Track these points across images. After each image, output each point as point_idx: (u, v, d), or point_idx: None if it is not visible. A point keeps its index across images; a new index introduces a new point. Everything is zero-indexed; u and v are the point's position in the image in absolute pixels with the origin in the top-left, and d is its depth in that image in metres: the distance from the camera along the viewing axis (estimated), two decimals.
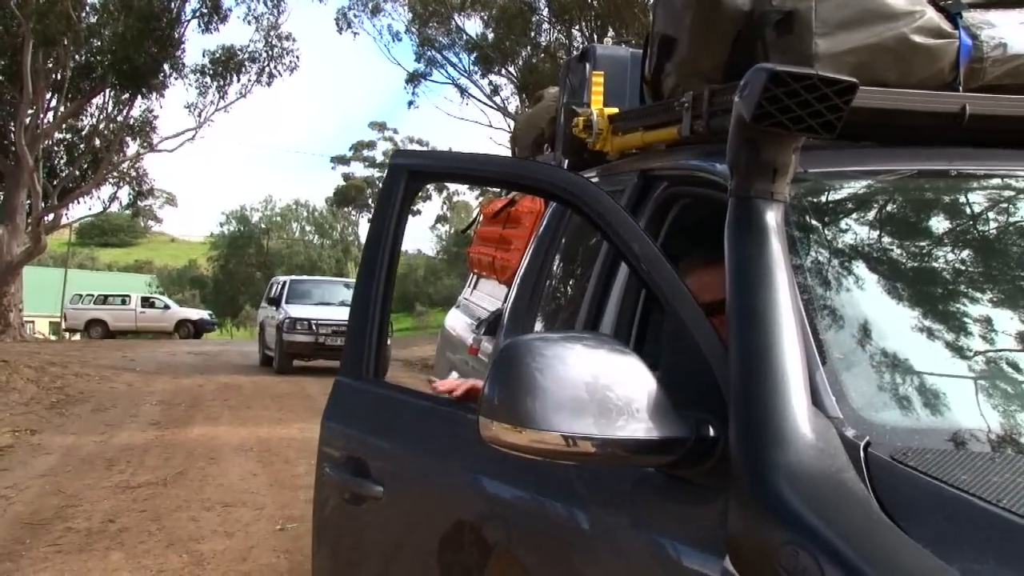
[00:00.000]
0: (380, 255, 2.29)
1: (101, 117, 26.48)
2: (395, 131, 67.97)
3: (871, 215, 2.04)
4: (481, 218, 4.60)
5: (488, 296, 4.06)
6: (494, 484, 1.92)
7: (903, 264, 1.91)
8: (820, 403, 1.46)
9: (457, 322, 4.48)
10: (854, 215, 2.02)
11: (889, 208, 2.05)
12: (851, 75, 1.53)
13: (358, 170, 60.14)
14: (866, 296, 1.78)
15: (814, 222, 1.91)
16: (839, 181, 2.04)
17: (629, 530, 1.63)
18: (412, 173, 2.34)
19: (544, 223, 3.39)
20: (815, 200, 1.97)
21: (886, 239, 1.94)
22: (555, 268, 3.23)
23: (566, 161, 3.42)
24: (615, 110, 2.99)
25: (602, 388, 1.44)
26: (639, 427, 1.43)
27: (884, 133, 2.14)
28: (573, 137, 3.16)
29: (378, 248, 2.30)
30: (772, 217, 1.61)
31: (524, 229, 3.61)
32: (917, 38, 2.06)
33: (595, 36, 25.04)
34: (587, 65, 3.45)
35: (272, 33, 25.92)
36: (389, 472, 2.13)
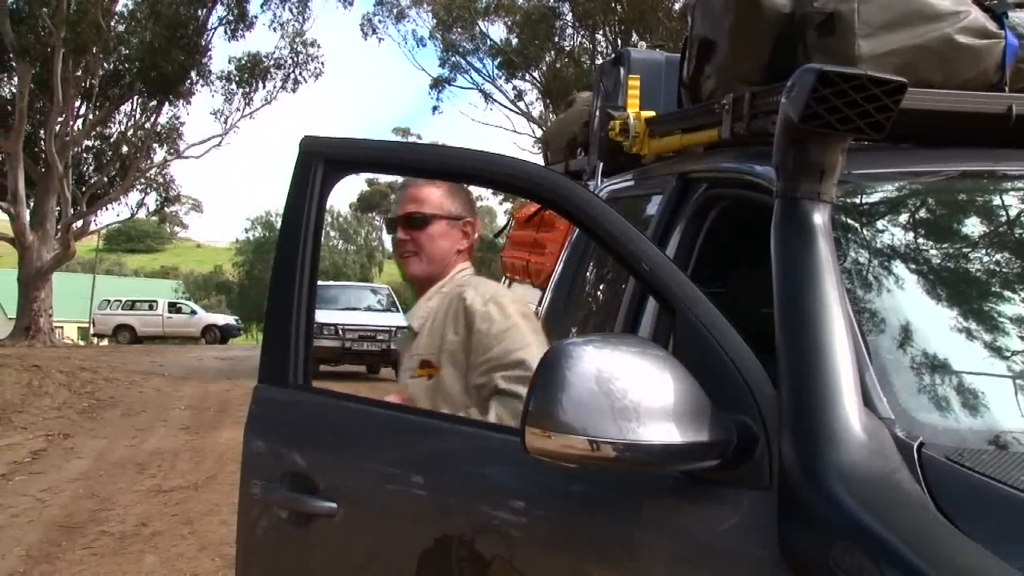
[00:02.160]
0: (299, 251, 2.04)
1: (129, 124, 26.75)
2: (419, 136, 68.21)
3: (914, 216, 2.04)
4: (513, 223, 4.61)
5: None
6: (490, 492, 1.80)
7: (948, 265, 1.90)
8: (871, 404, 1.45)
9: None
10: (897, 216, 2.01)
11: (933, 209, 2.05)
12: None
13: (382, 175, 60.35)
14: (912, 297, 1.77)
15: (857, 223, 1.91)
16: (882, 183, 2.04)
17: (647, 532, 1.60)
18: (329, 161, 2.10)
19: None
20: (858, 201, 1.96)
21: (930, 240, 1.94)
22: (591, 271, 3.24)
23: (601, 164, 3.43)
24: (652, 113, 3.00)
25: (643, 392, 1.39)
26: (679, 431, 1.38)
27: (927, 134, 2.13)
28: (609, 140, 3.16)
29: (296, 244, 2.05)
30: (819, 218, 1.61)
31: (558, 233, 3.62)
32: (962, 38, 2.06)
33: (619, 41, 25.03)
34: (621, 69, 3.46)
35: (297, 40, 26.09)
36: (343, 487, 1.96)
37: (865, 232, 1.90)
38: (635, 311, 2.39)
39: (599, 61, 25.17)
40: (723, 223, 2.40)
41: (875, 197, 2.01)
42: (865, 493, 1.28)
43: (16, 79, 22.00)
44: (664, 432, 1.37)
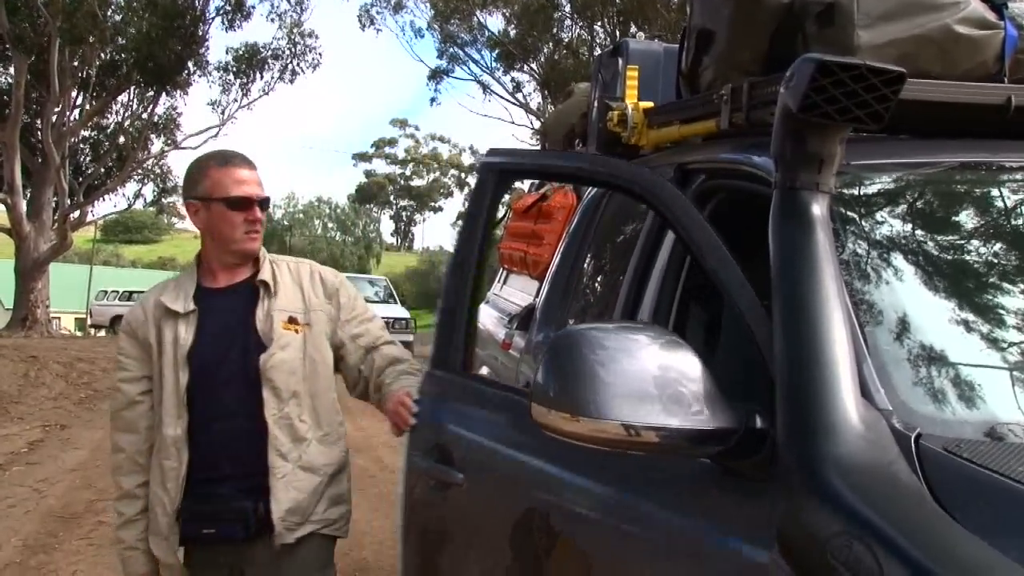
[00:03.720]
0: (470, 254, 2.39)
1: (126, 115, 26.67)
2: (416, 128, 68.25)
3: (913, 207, 2.03)
4: (511, 214, 4.59)
5: (519, 291, 4.06)
6: (557, 472, 1.94)
7: (946, 257, 1.90)
8: (869, 395, 1.45)
9: (486, 318, 4.48)
10: (896, 207, 2.01)
11: (931, 200, 2.04)
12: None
13: (380, 167, 60.42)
14: (909, 289, 1.77)
15: (855, 214, 1.90)
16: (880, 173, 2.03)
17: (683, 520, 1.64)
18: (502, 172, 2.48)
19: (577, 218, 3.39)
20: (856, 192, 1.96)
21: (928, 231, 1.93)
22: (588, 262, 3.24)
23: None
24: (650, 104, 2.99)
25: (657, 378, 1.45)
26: (691, 417, 1.44)
27: (925, 125, 2.12)
28: (607, 131, 3.15)
29: (469, 247, 2.40)
30: (818, 208, 1.61)
31: (557, 224, 3.61)
32: (961, 29, 2.05)
33: (617, 32, 24.98)
34: (620, 60, 3.44)
35: (295, 31, 25.99)
36: (468, 460, 2.20)
37: (863, 223, 1.90)
38: (633, 301, 2.39)
39: (597, 52, 25.17)
40: (721, 214, 2.40)
41: (874, 188, 2.01)
42: (863, 484, 1.28)
43: (12, 69, 21.92)
44: (685, 418, 1.44)
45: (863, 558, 1.18)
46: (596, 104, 3.59)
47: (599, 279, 3.17)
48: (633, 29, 23.38)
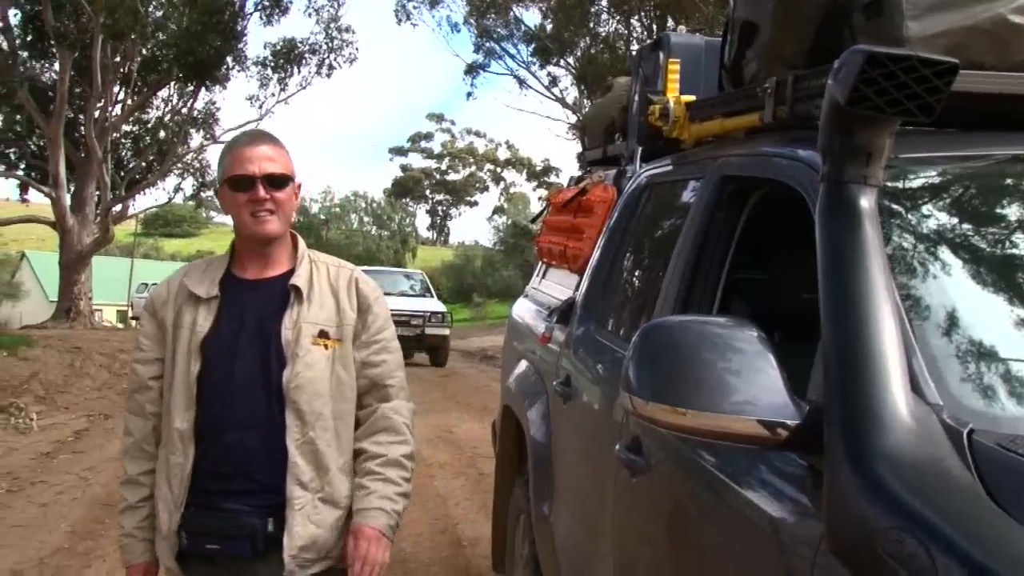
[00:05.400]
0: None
1: (166, 110, 26.95)
2: (452, 122, 68.37)
3: (963, 201, 2.01)
4: (550, 208, 4.59)
5: (558, 285, 4.05)
6: (695, 463, 1.96)
7: (995, 251, 1.87)
8: (919, 390, 1.44)
9: (525, 312, 4.48)
10: (945, 201, 1.98)
11: (981, 194, 2.01)
12: None
13: (416, 161, 60.60)
14: (958, 283, 1.75)
15: (904, 208, 1.89)
16: (929, 167, 2.01)
17: (765, 511, 1.67)
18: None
19: (617, 211, 3.38)
20: (905, 186, 1.94)
21: (978, 225, 1.91)
22: (630, 256, 3.23)
23: (639, 149, 3.42)
24: (692, 98, 2.98)
25: (748, 371, 1.50)
26: (779, 411, 1.48)
27: (978, 118, 2.09)
28: (648, 125, 3.15)
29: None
30: (866, 202, 1.60)
31: (596, 218, 3.60)
32: (1017, 19, 2.01)
33: (654, 27, 24.83)
34: (661, 53, 3.43)
35: (332, 25, 26.10)
36: (653, 449, 2.22)
37: (912, 217, 1.88)
38: (685, 294, 2.38)
39: (634, 47, 25.02)
40: (764, 208, 2.38)
41: (922, 182, 1.99)
42: (914, 479, 1.27)
43: (57, 65, 22.23)
44: (754, 411, 1.48)
45: (916, 553, 1.16)
46: (637, 98, 3.58)
47: (642, 272, 3.16)
48: (671, 23, 23.22)
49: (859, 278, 1.52)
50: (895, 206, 1.85)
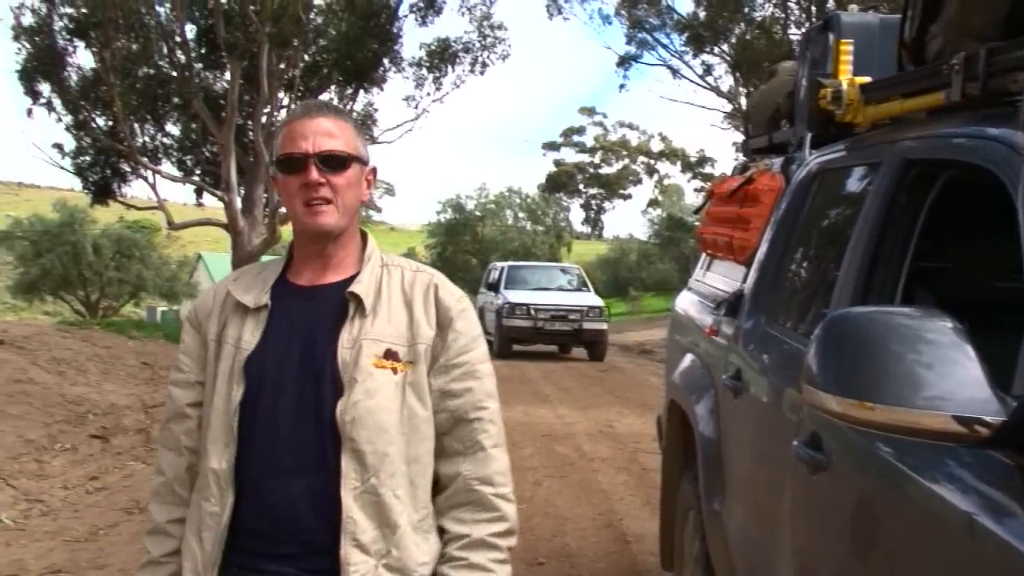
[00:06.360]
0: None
1: None
2: (604, 115, 68.11)
3: None
4: (712, 199, 4.50)
5: (723, 277, 3.96)
6: (883, 460, 1.85)
7: None
8: None
9: (689, 305, 4.41)
10: None
11: None
12: None
13: (568, 156, 60.69)
14: None
15: None
16: None
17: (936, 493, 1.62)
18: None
19: (786, 201, 3.28)
20: None
21: None
22: (800, 246, 3.13)
23: (809, 135, 3.30)
24: (866, 79, 2.85)
25: (944, 364, 1.45)
26: (959, 405, 1.42)
27: None
28: (819, 110, 3.04)
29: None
30: None
31: (763, 207, 3.50)
32: None
33: (812, 8, 24.01)
34: (830, 34, 3.30)
35: (484, 23, 26.40)
36: (833, 447, 2.14)
37: None
38: (864, 284, 2.28)
39: (792, 31, 24.29)
40: (950, 193, 2.26)
41: None
42: None
43: (227, 75, 23.36)
44: (976, 406, 1.42)
45: None
46: (804, 82, 3.46)
47: (815, 262, 3.05)
48: (831, 4, 22.39)
49: None
50: None
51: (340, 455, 1.76)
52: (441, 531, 1.85)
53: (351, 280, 1.87)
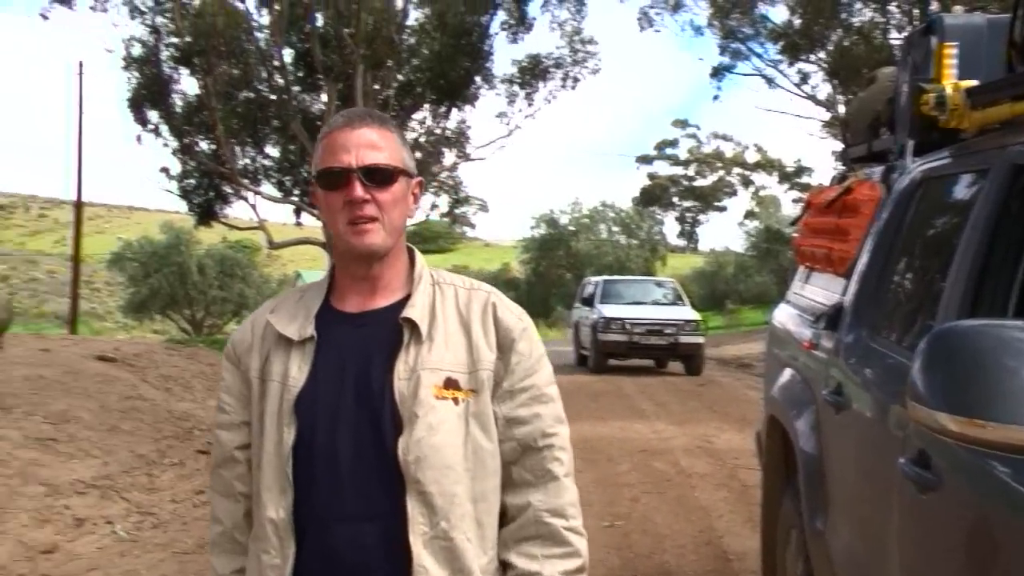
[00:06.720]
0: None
1: (421, 131, 28.28)
2: (697, 127, 67.37)
3: None
4: (809, 210, 4.39)
5: (822, 289, 3.87)
6: (999, 480, 1.75)
7: None
8: None
9: (787, 318, 4.31)
10: None
11: None
12: None
13: (662, 169, 60.12)
14: None
15: None
16: None
17: None
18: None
19: (888, 210, 3.19)
20: None
21: None
22: (903, 257, 3.03)
23: (911, 143, 3.20)
24: (971, 83, 2.76)
25: None
26: None
27: None
28: (922, 116, 2.95)
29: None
30: None
31: (863, 218, 3.40)
32: None
33: (914, 11, 23.37)
34: (932, 39, 3.20)
35: (575, 38, 26.44)
36: (945, 466, 2.03)
37: None
38: (971, 300, 2.20)
39: (893, 36, 23.65)
40: None
41: None
42: None
43: (324, 96, 23.91)
44: None
45: None
46: (906, 88, 3.36)
47: (919, 274, 2.95)
48: (935, 6, 21.77)
49: None
50: None
51: (405, 497, 1.63)
52: (505, 566, 1.71)
53: (402, 303, 1.73)
